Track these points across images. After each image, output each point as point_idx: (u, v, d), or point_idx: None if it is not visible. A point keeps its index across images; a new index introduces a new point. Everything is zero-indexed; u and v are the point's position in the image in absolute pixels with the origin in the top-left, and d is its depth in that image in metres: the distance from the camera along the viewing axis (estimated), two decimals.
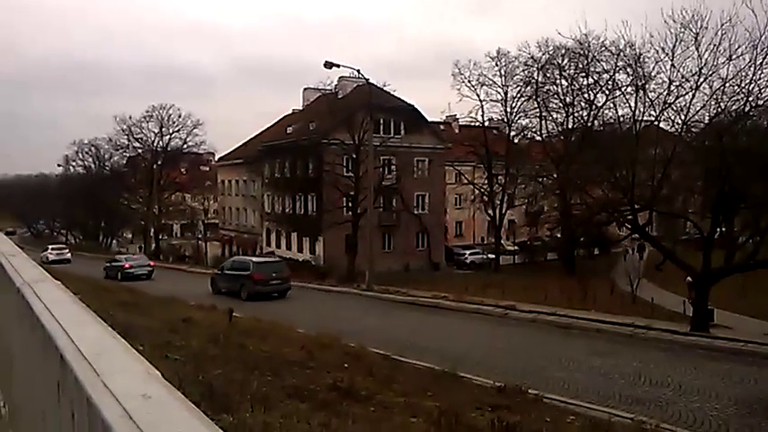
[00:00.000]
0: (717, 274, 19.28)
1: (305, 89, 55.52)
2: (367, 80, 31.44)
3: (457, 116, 57.08)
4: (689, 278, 31.86)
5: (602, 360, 12.65)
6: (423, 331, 16.92)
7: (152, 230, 63.94)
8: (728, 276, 20.77)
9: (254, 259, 28.42)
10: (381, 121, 45.69)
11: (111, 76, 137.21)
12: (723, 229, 31.79)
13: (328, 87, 47.42)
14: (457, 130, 58.48)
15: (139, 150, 65.67)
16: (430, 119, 52.48)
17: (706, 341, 14.84)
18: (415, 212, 49.70)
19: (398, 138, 47.79)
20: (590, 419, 7.56)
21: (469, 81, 50.55)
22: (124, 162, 69.94)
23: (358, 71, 29.61)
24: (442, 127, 57.14)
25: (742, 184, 19.65)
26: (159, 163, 64.00)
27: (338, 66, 27.97)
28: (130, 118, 63.08)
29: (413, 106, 49.04)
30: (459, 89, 52.39)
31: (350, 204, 44.09)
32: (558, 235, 48.31)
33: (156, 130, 63.54)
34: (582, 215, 29.52)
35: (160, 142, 63.91)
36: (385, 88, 44.50)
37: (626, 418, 7.77)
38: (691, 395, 9.81)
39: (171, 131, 63.61)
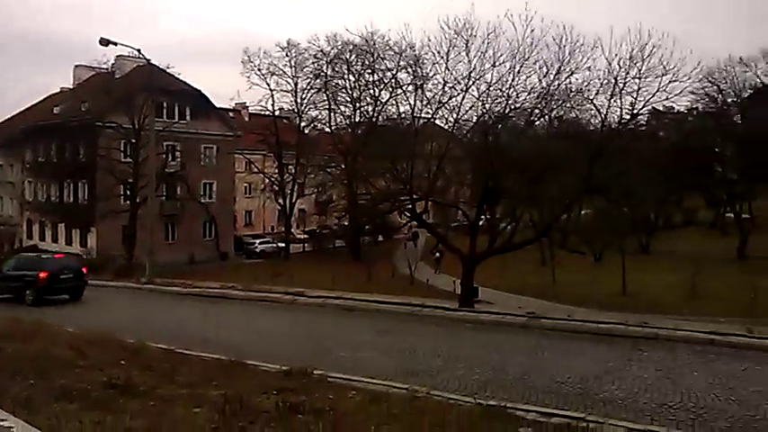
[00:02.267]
0: (481, 256, 21.50)
1: (76, 66, 50.51)
2: (148, 60, 29.48)
3: (247, 104, 56.24)
4: (437, 254, 35.93)
5: (382, 338, 13.52)
6: (209, 322, 16.52)
7: None
8: (490, 257, 23.36)
9: None
10: (165, 105, 43.31)
11: None
12: (488, 216, 35.77)
13: (104, 66, 43.68)
14: (247, 118, 57.65)
15: None
16: (219, 105, 51.04)
17: (472, 315, 16.55)
18: (202, 201, 48.07)
19: (184, 123, 45.75)
20: (370, 393, 8.06)
21: (259, 69, 50.13)
22: None
23: (138, 50, 27.64)
24: (231, 114, 55.92)
25: (502, 178, 22.11)
26: None
27: (115, 44, 25.82)
28: None
29: (199, 91, 47.28)
30: (248, 77, 51.66)
31: (128, 193, 41.18)
32: (346, 223, 50.11)
33: None
34: (367, 204, 30.96)
35: None
36: (169, 70, 42.19)
37: (401, 388, 8.41)
38: (457, 363, 10.92)
39: None
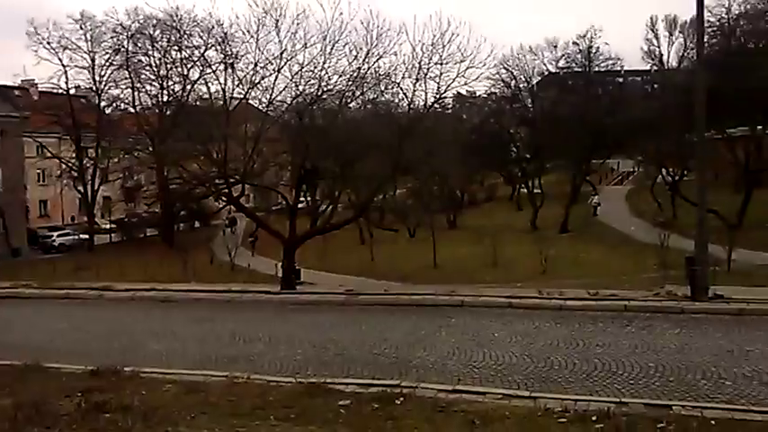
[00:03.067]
0: (301, 238, 21.59)
1: None
2: None
3: (35, 81, 50.41)
4: (250, 238, 36.22)
5: (201, 327, 13.09)
6: (1, 326, 14.76)
7: None
8: (313, 239, 23.55)
9: None
10: None
11: None
12: (308, 198, 35.97)
13: None
14: (36, 97, 51.72)
15: None
16: (0, 82, 45.27)
17: (293, 297, 16.65)
18: None
19: None
20: (186, 384, 7.79)
21: (49, 43, 45.22)
22: None
23: None
24: (17, 92, 49.84)
25: (319, 160, 22.31)
26: None
27: None
28: None
29: None
30: (36, 51, 46.29)
31: None
32: (158, 210, 47.40)
33: None
34: (180, 189, 29.53)
35: None
36: None
37: (220, 376, 8.25)
38: (279, 346, 10.95)
39: None
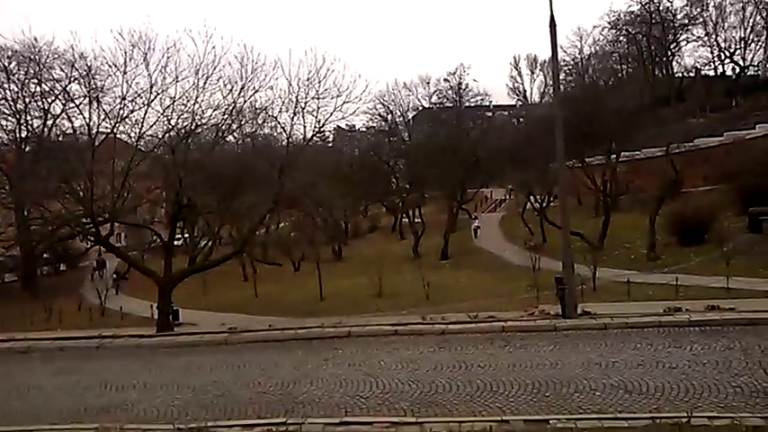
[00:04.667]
0: (178, 277, 20.63)
1: None
2: None
3: None
4: (114, 275, 34.45)
5: (67, 378, 12.06)
6: None
7: None
8: (193, 277, 22.56)
9: None
10: None
11: None
12: (186, 235, 34.53)
13: None
14: None
15: None
16: None
17: (169, 339, 15.80)
18: None
19: None
20: None
21: None
22: None
23: None
24: None
25: (195, 195, 21.55)
26: None
27: None
28: None
29: None
30: None
31: None
32: (16, 253, 43.50)
33: None
34: (42, 230, 27.33)
35: None
36: None
37: (89, 429, 7.64)
38: (155, 392, 10.31)
39: None
